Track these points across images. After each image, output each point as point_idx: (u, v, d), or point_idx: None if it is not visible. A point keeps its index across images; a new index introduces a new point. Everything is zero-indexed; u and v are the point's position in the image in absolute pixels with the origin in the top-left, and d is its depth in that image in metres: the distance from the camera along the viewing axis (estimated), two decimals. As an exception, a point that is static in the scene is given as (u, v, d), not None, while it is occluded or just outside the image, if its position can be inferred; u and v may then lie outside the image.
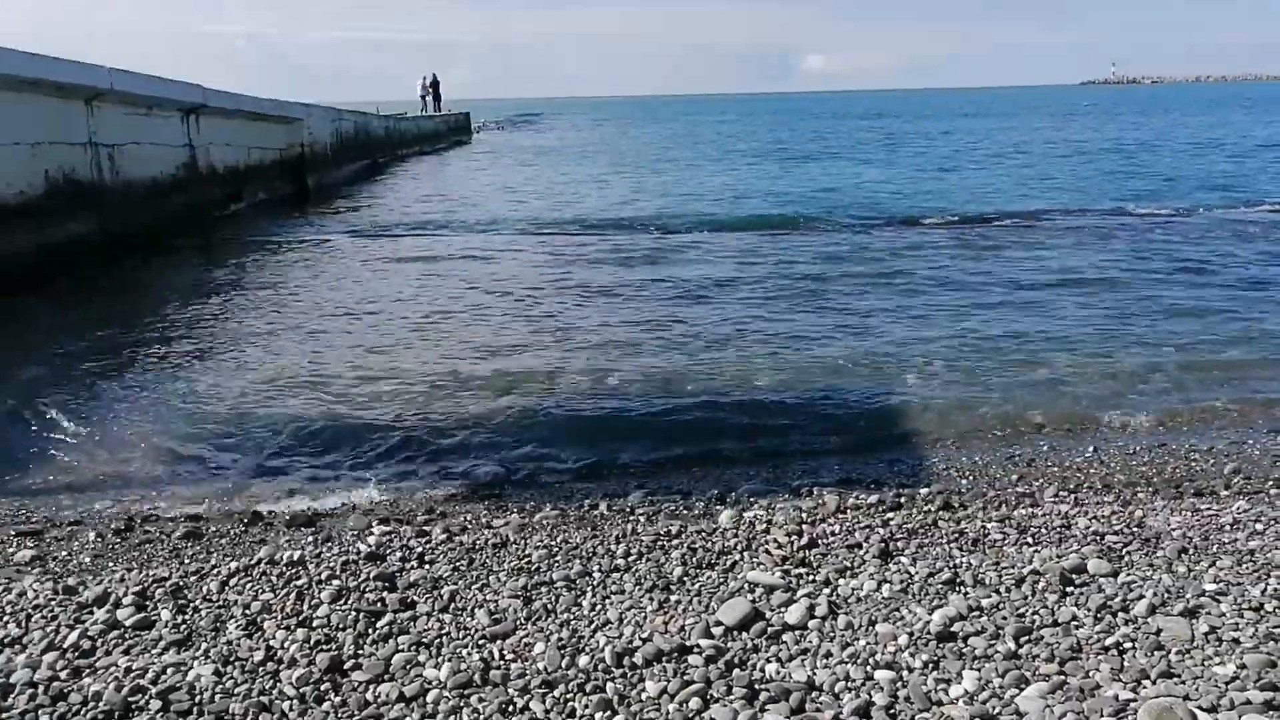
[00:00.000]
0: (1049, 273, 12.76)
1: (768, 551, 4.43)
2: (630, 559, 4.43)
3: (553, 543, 4.71)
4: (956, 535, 4.63)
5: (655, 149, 46.04)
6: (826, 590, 3.97)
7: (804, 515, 5.13)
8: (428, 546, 4.71)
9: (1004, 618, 3.65)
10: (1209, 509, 5.13)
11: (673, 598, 3.97)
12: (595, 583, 4.16)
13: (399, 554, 4.58)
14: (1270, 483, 6.07)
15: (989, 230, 16.92)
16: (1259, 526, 4.76)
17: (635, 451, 6.87)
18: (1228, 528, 4.77)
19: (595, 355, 9.07)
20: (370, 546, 4.70)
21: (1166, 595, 3.81)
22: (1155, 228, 16.92)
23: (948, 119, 73.30)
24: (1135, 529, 4.75)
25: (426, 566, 4.42)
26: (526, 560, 4.45)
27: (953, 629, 3.58)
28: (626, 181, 28.37)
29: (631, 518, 5.44)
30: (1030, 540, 4.58)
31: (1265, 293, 11.47)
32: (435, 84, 48.73)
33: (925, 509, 5.42)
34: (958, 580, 4.02)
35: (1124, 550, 4.45)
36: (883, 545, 4.45)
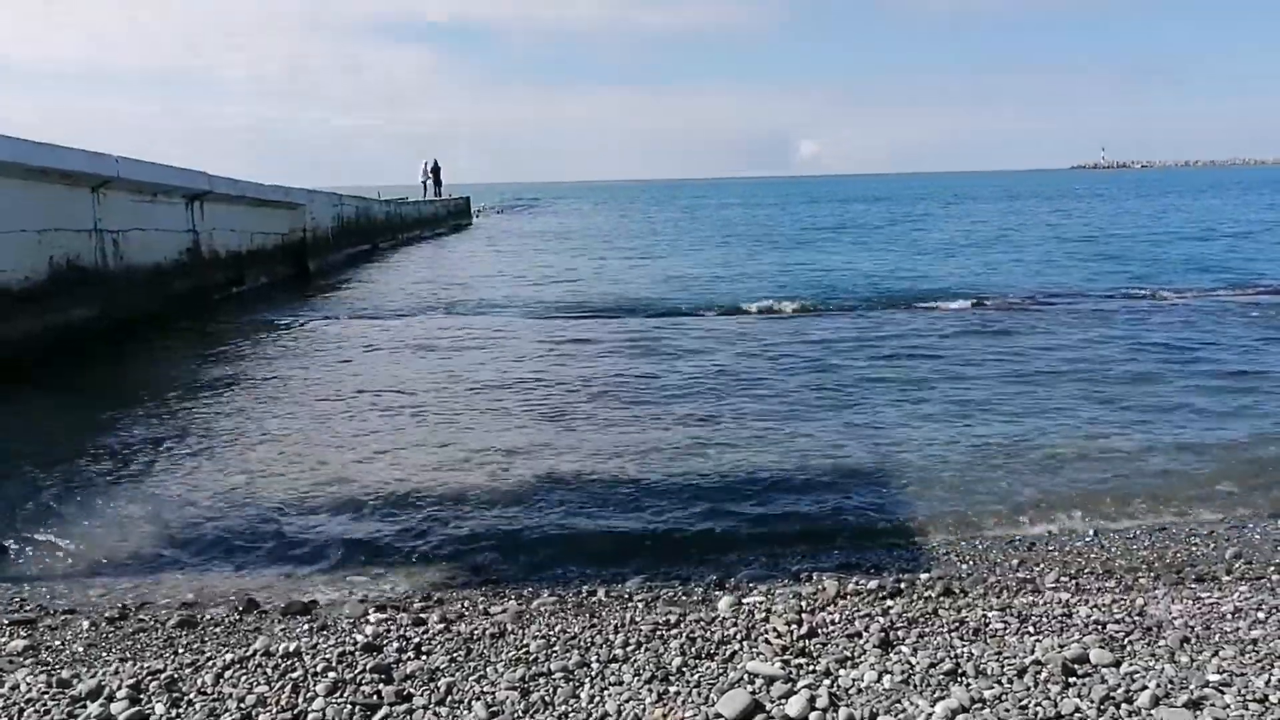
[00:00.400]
0: (1048, 357, 12.84)
1: (767, 641, 4.41)
2: (629, 649, 4.40)
3: (551, 632, 4.68)
4: (958, 624, 4.61)
5: (655, 233, 46.71)
6: (827, 681, 3.94)
7: (803, 603, 5.11)
8: (425, 636, 4.68)
9: (1007, 710, 3.62)
10: (1210, 596, 5.11)
11: (672, 689, 3.94)
12: (594, 674, 4.12)
13: (395, 644, 4.55)
14: (1271, 568, 6.06)
15: (989, 313, 17.09)
16: (1261, 615, 4.74)
17: (634, 536, 6.83)
18: (1230, 616, 4.75)
19: (593, 439, 9.08)
20: (367, 637, 4.66)
21: (1170, 686, 3.78)
22: (1156, 311, 17.09)
23: (943, 202, 74.46)
24: (1137, 617, 4.72)
25: (424, 658, 4.38)
26: (524, 651, 4.42)
27: (955, 722, 3.55)
28: (625, 264, 28.77)
29: (630, 605, 5.41)
30: (1032, 629, 4.55)
31: (1260, 375, 11.55)
32: (437, 169, 49.51)
33: (926, 595, 5.40)
34: (960, 671, 3.99)
35: (1126, 640, 4.42)
36: (883, 634, 4.42)
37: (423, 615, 5.17)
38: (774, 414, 9.94)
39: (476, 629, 4.76)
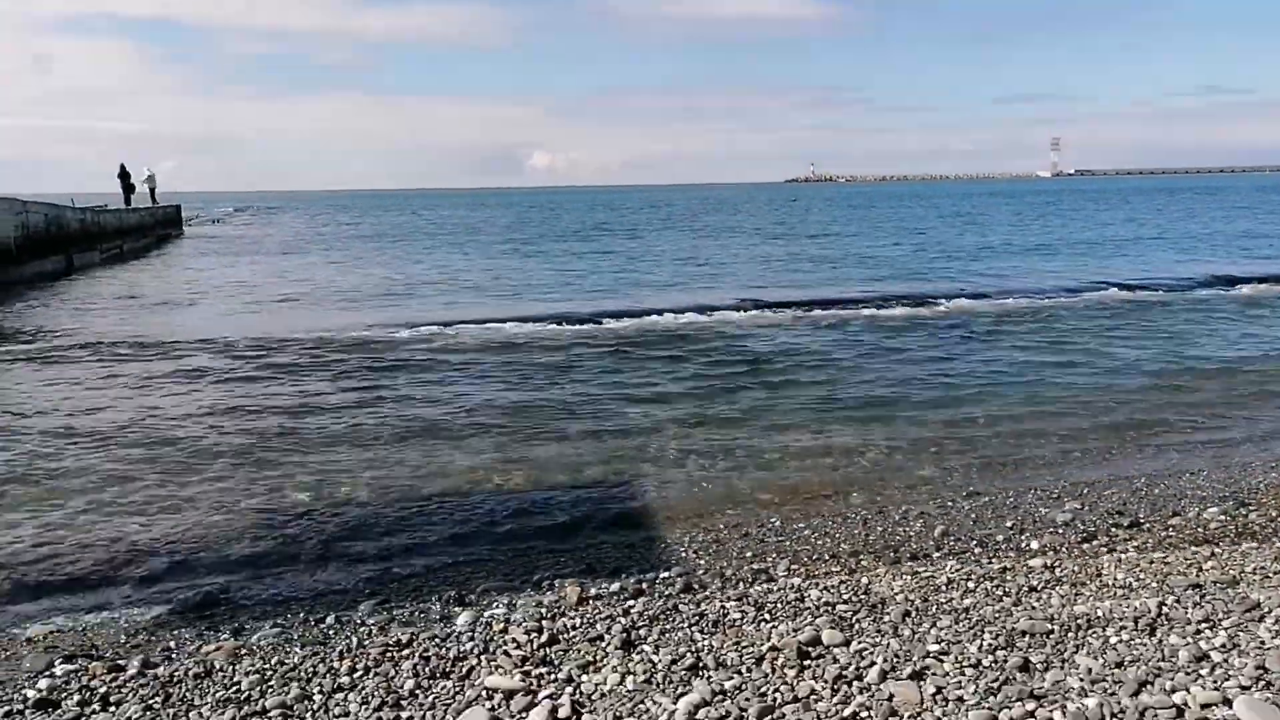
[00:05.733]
0: (781, 356, 13.46)
1: (507, 653, 4.17)
2: (356, 675, 4.02)
3: (266, 665, 4.21)
4: (698, 618, 4.58)
5: (381, 240, 45.05)
6: (569, 688, 3.76)
7: (545, 610, 4.92)
8: (114, 685, 4.07)
9: (747, 699, 3.59)
10: (925, 571, 5.41)
11: (403, 715, 3.62)
12: (316, 707, 3.72)
13: (77, 697, 3.92)
14: (975, 542, 6.55)
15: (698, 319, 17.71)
16: (970, 585, 5.05)
17: (370, 559, 6.47)
18: (944, 588, 5.03)
19: (319, 464, 8.52)
20: (41, 691, 3.99)
21: (895, 660, 3.90)
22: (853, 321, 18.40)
23: (667, 212, 76.70)
24: (863, 596, 4.90)
25: (111, 709, 3.80)
26: (235, 689, 3.93)
27: (698, 716, 3.48)
28: (348, 273, 27.36)
29: (360, 629, 5.02)
30: (768, 616, 4.60)
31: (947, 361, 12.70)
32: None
33: (666, 594, 5.39)
34: (700, 665, 3.94)
35: (854, 618, 4.56)
36: (625, 635, 4.31)
37: (120, 662, 4.53)
38: (512, 429, 9.75)
39: (179, 670, 4.20)
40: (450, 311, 18.76)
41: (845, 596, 4.88)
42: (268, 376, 12.48)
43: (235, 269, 29.89)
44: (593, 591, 5.46)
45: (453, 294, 22.37)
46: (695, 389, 11.60)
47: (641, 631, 4.40)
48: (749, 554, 6.39)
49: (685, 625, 4.47)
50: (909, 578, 5.25)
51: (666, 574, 5.91)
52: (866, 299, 19.96)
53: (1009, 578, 5.23)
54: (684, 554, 6.44)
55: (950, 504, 7.46)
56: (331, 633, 5.09)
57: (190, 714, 3.72)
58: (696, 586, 5.55)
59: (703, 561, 6.27)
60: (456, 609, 5.39)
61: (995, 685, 3.61)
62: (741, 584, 5.57)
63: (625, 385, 11.81)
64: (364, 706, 3.70)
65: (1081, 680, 3.60)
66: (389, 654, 4.27)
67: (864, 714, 3.45)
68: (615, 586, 5.54)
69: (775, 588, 5.12)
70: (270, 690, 3.90)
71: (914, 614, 4.60)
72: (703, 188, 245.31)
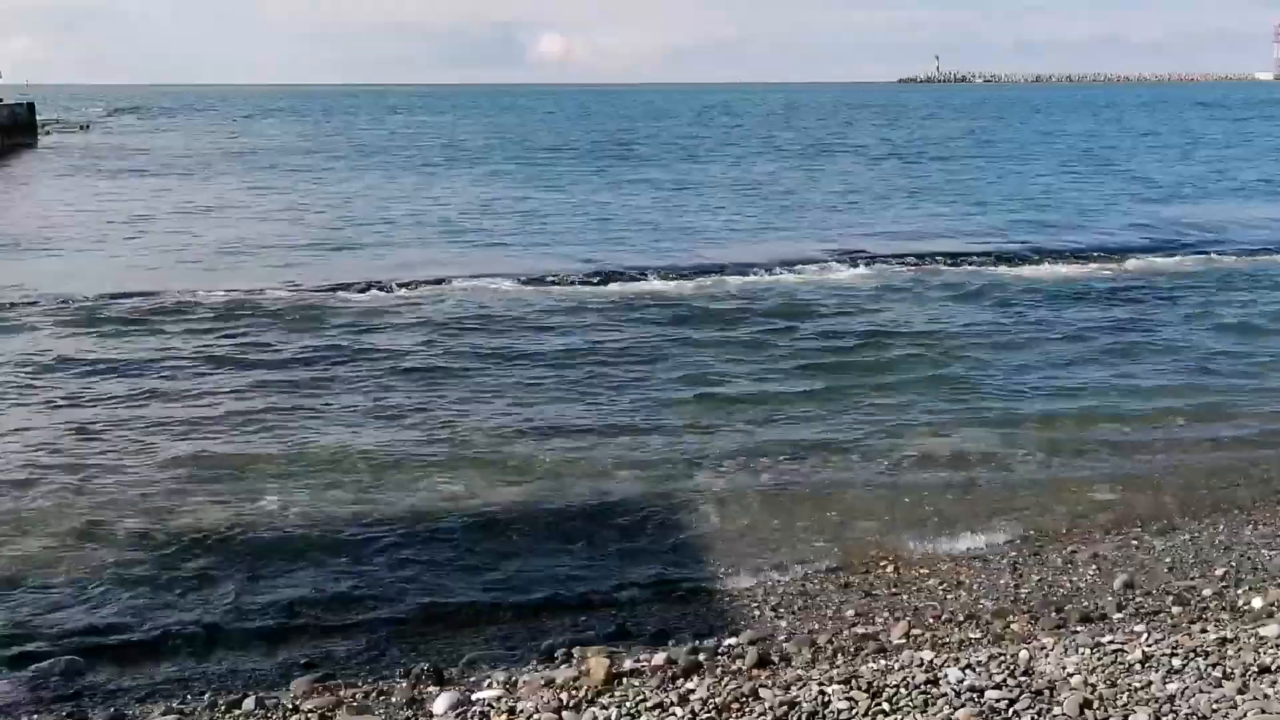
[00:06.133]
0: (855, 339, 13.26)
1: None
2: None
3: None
4: (785, 709, 4.42)
5: (323, 156, 44.57)
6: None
7: (561, 694, 4.77)
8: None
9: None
10: (1109, 641, 5.22)
11: None
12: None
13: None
14: (1171, 598, 6.35)
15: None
16: (1176, 662, 4.85)
17: (306, 609, 6.41)
18: (1137, 667, 4.84)
19: (229, 476, 8.49)
20: None
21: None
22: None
23: (728, 123, 75.98)
24: (1022, 678, 4.72)
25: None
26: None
27: None
28: (275, 205, 26.86)
29: (293, 718, 4.92)
30: (887, 708, 4.43)
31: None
32: None
33: (734, 669, 5.24)
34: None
35: (1010, 710, 4.39)
36: (681, 736, 4.15)
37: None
38: (511, 431, 9.63)
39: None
40: (424, 264, 18.40)
41: (997, 678, 4.70)
42: (146, 355, 12.28)
43: (110, 195, 29.38)
44: (627, 665, 5.30)
45: (430, 239, 21.94)
46: (768, 374, 11.48)
47: (706, 731, 4.24)
48: (850, 611, 6.26)
49: (768, 721, 4.30)
50: (1087, 651, 5.07)
51: (733, 640, 5.76)
52: (1012, 251, 19.73)
53: (1230, 652, 5.05)
54: (755, 610, 6.37)
55: (1136, 543, 7.33)
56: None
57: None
58: (776, 659, 5.41)
59: (783, 622, 6.16)
60: (431, 688, 5.28)
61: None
62: (842, 655, 5.42)
63: (672, 368, 11.71)
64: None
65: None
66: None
67: None
68: (659, 658, 5.37)
69: (895, 664, 4.95)
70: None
71: (1098, 706, 4.43)
72: (779, 89, 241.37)
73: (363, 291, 15.89)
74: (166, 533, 7.48)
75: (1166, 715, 4.32)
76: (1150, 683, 4.66)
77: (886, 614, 6.22)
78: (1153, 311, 14.80)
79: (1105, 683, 4.69)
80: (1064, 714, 4.36)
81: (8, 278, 16.79)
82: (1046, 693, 4.59)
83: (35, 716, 5.21)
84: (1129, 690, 4.60)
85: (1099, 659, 4.96)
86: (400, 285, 16.31)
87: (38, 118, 54.04)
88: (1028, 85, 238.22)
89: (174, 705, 5.20)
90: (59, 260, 19.34)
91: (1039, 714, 4.38)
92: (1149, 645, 5.10)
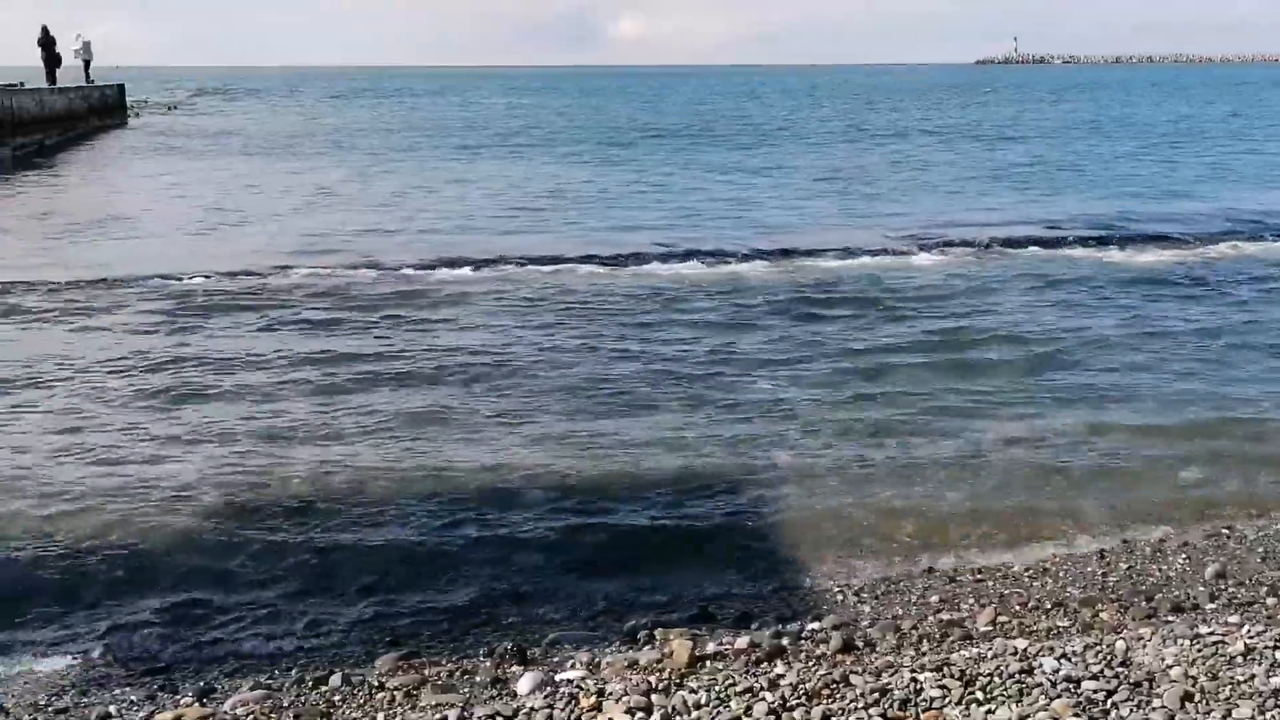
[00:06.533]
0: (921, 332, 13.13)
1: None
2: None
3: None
4: (877, 695, 4.35)
5: (411, 136, 45.03)
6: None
7: (648, 677, 4.73)
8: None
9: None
10: (1209, 633, 5.10)
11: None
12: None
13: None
14: (1266, 589, 6.20)
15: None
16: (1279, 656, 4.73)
17: (387, 588, 6.42)
18: (1239, 659, 4.72)
19: (313, 455, 8.49)
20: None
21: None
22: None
23: (795, 104, 75.90)
24: (1120, 669, 4.62)
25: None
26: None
27: None
28: (368, 187, 27.16)
29: (378, 695, 4.93)
30: (981, 696, 4.34)
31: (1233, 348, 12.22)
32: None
33: (818, 654, 5.21)
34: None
35: (1109, 703, 4.29)
36: None
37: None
38: (586, 411, 9.59)
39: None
40: (504, 244, 18.47)
41: (1094, 668, 4.61)
42: (243, 334, 12.48)
43: (198, 175, 29.75)
44: (710, 648, 5.32)
45: (508, 219, 22.01)
46: (849, 356, 11.35)
47: (796, 716, 4.18)
48: (934, 598, 6.20)
49: (862, 708, 4.23)
50: (1185, 643, 4.95)
51: (816, 625, 5.75)
52: (1098, 236, 19.44)
53: (1337, 647, 4.92)
54: (838, 595, 6.31)
55: (1227, 530, 7.17)
56: (338, 699, 5.02)
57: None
58: (861, 644, 5.39)
59: (866, 607, 6.11)
60: (515, 667, 5.29)
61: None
62: (929, 642, 5.36)
63: (753, 349, 11.62)
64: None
65: None
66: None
67: None
68: (743, 642, 5.38)
69: (989, 652, 4.87)
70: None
71: (1199, 699, 4.32)
72: (853, 71, 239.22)
73: (478, 269, 16.11)
74: (254, 505, 7.53)
75: (1271, 710, 4.21)
76: (1253, 676, 4.55)
77: (972, 600, 6.16)
78: (1246, 297, 14.52)
79: (1206, 675, 4.57)
80: (1165, 707, 4.26)
81: (100, 259, 16.91)
82: (1145, 684, 4.50)
83: (127, 688, 5.24)
84: (1231, 683, 4.49)
85: (1199, 651, 4.85)
86: (490, 264, 16.45)
87: (127, 99, 54.91)
88: (1107, 65, 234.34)
89: (261, 680, 5.22)
90: (147, 240, 19.43)
91: (1138, 706, 4.28)
92: (1250, 638, 4.98)
